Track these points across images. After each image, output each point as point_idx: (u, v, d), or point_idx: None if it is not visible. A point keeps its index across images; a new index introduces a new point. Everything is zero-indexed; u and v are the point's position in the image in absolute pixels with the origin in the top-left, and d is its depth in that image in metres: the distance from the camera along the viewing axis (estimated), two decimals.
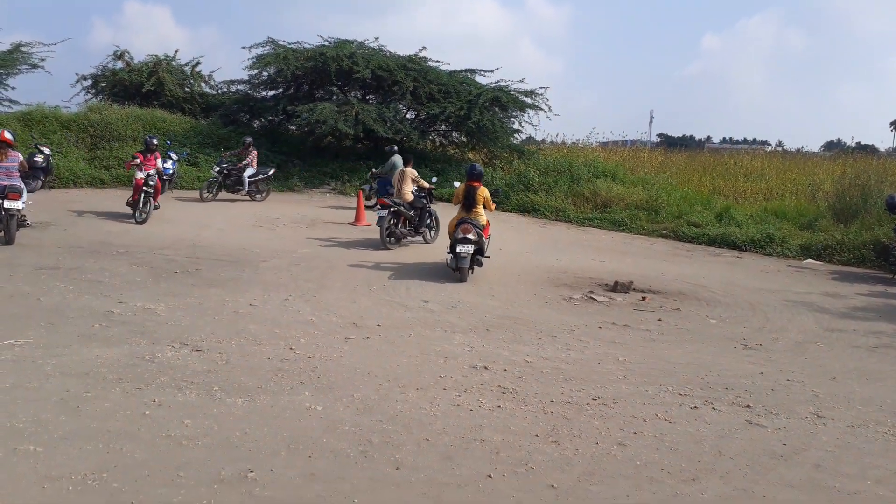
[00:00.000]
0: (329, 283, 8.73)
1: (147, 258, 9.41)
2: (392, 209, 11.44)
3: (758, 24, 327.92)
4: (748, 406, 5.29)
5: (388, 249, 11.31)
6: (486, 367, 5.82)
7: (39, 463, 3.79)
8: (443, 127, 22.03)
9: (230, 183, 16.10)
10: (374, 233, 13.07)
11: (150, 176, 12.54)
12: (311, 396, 4.96)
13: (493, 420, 4.75)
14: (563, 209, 17.13)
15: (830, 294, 10.08)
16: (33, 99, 25.45)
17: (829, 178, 19.50)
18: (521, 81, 21.74)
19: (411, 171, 12.19)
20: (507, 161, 21.65)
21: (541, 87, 21.55)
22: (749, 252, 13.73)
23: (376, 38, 23.53)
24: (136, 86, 21.99)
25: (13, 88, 20.84)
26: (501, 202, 15.86)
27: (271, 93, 22.06)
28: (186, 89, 23.04)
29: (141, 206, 12.33)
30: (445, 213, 12.29)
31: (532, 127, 39.52)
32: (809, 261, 13.14)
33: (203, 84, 23.97)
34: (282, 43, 21.04)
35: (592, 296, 8.90)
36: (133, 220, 12.28)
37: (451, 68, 21.89)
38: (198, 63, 23.77)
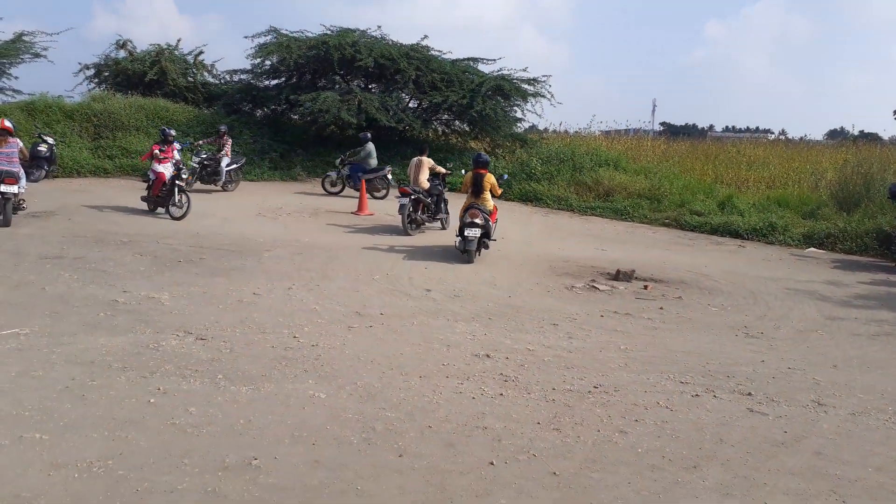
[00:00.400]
0: (332, 272, 8.76)
1: (151, 247, 9.44)
2: (412, 197, 11.92)
3: (762, 10, 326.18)
4: (749, 394, 5.31)
5: (410, 235, 11.84)
6: (488, 356, 5.85)
7: (45, 450, 3.82)
8: (445, 116, 21.93)
9: (207, 174, 15.58)
10: (377, 221, 13.16)
11: (178, 167, 12.12)
12: (314, 384, 4.99)
13: (496, 408, 4.78)
14: (566, 198, 17.14)
15: (832, 282, 10.08)
16: (36, 88, 25.31)
17: (832, 167, 19.40)
18: (524, 70, 21.59)
19: (428, 161, 12.98)
20: (509, 150, 21.55)
21: (543, 76, 21.36)
22: (751, 241, 13.72)
23: (379, 27, 23.50)
24: (138, 75, 21.89)
25: (16, 78, 20.78)
26: (504, 190, 15.84)
27: (274, 82, 21.95)
28: (189, 79, 22.91)
29: (176, 200, 11.90)
30: (454, 203, 12.57)
31: (535, 115, 39.37)
32: (812, 249, 13.14)
33: (206, 73, 23.83)
34: (284, 32, 20.92)
35: (594, 284, 8.92)
36: (154, 215, 12.04)
37: (454, 57, 21.75)
38: (200, 52, 23.66)
